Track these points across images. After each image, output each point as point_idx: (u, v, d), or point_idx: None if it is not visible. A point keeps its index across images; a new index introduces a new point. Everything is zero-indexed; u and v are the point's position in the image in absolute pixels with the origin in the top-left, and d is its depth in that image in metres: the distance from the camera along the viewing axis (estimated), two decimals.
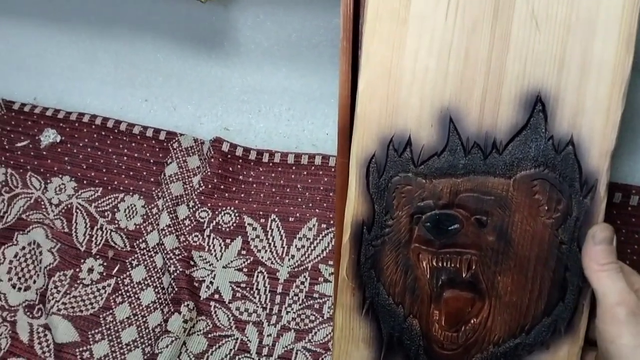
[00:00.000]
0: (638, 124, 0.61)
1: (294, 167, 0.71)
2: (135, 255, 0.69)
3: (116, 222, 0.71)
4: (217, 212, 0.70)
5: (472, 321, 0.43)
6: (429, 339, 0.44)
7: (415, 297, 0.44)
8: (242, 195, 0.71)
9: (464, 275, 0.42)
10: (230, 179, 0.71)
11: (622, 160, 0.62)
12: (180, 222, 0.69)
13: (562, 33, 0.39)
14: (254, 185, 0.71)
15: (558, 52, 0.39)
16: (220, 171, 0.71)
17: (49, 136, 0.77)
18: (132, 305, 0.66)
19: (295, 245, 0.67)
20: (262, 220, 0.69)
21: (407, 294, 0.44)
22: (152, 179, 0.73)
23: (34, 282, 0.69)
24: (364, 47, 0.42)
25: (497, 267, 0.42)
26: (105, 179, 0.74)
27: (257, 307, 0.65)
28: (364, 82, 0.42)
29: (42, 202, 0.73)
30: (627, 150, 0.62)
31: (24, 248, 0.71)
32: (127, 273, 0.68)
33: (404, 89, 0.42)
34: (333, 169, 0.70)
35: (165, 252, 0.67)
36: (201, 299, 0.65)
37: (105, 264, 0.69)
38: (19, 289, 0.69)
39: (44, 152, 0.76)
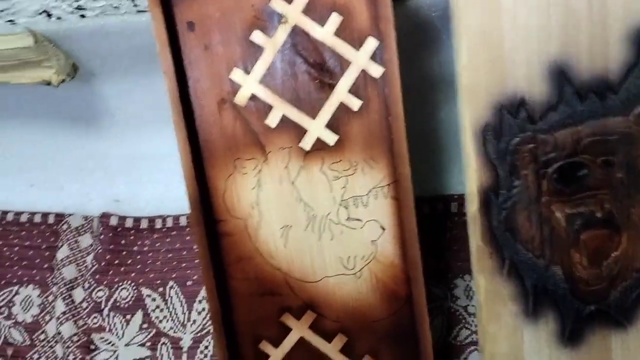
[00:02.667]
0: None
1: (187, 229, 0.70)
2: (36, 349, 0.67)
3: (13, 316, 0.69)
4: (114, 289, 0.68)
5: (612, 254, 0.45)
6: (574, 281, 0.46)
7: (553, 246, 0.45)
8: (139, 266, 0.69)
9: (599, 215, 0.44)
10: (124, 252, 0.70)
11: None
12: (78, 306, 0.67)
13: None
14: (150, 254, 0.70)
15: None
16: (112, 246, 0.69)
17: None
18: None
19: (196, 309, 0.66)
20: (161, 289, 0.67)
21: (545, 246, 0.45)
22: (45, 266, 0.71)
23: None
24: (458, 20, 0.42)
25: (630, 200, 0.44)
26: None
27: None
28: (465, 54, 0.43)
29: None
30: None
31: None
32: None
33: (507, 51, 0.42)
34: None
35: (63, 340, 0.64)
36: None
37: None
38: None
39: None
